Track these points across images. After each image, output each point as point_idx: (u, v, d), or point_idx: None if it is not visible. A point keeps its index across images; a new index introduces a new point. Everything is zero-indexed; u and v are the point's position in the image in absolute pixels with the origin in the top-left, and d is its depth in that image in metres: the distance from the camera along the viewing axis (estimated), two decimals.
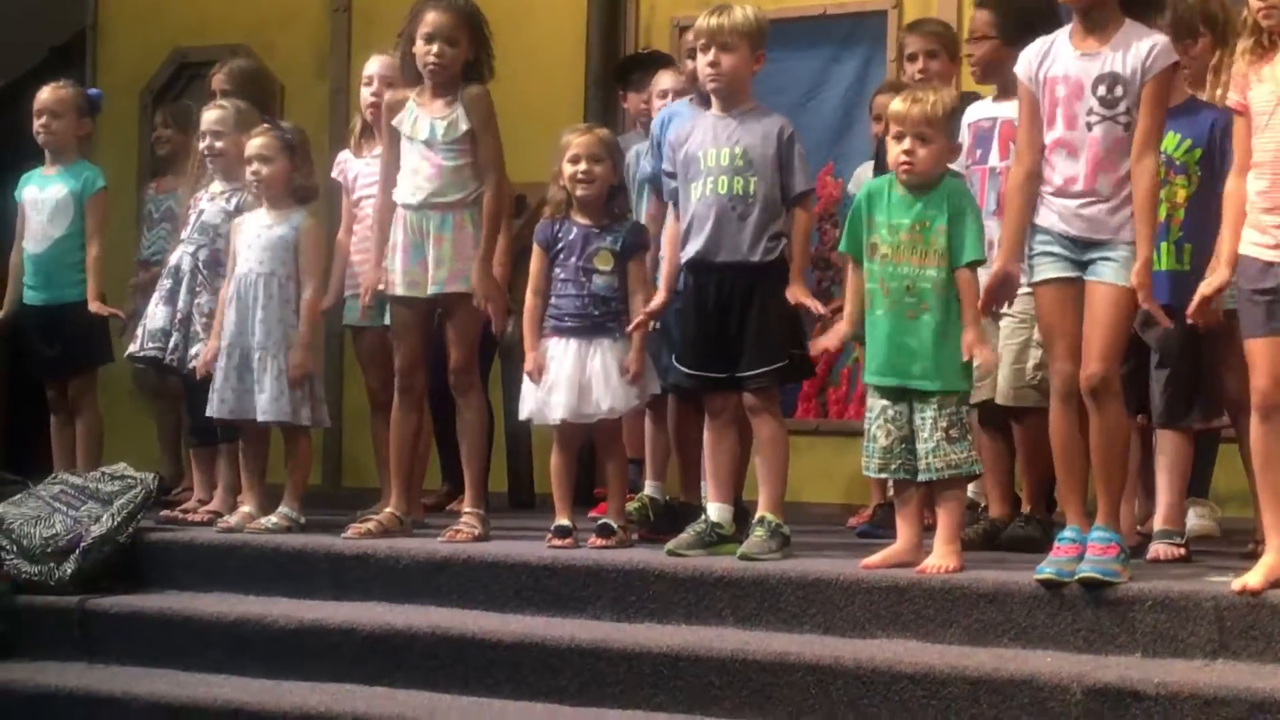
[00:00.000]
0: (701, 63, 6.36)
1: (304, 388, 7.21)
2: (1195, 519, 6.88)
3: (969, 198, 6.05)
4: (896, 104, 5.97)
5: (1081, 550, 5.52)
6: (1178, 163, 6.03)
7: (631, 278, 6.61)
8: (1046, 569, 5.47)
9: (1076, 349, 5.60)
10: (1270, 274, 5.41)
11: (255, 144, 7.28)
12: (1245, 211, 5.48)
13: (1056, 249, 5.61)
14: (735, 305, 6.26)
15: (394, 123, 6.95)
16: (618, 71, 8.72)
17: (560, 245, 6.67)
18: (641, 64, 8.14)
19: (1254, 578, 5.31)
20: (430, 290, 6.83)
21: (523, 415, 6.74)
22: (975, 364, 5.92)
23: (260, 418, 7.19)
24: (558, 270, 6.66)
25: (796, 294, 6.19)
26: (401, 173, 6.92)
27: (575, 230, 6.67)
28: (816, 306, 6.25)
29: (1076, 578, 5.40)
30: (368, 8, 9.92)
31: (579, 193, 6.65)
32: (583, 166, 6.63)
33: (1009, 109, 6.23)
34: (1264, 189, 5.44)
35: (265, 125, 7.39)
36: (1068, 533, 5.59)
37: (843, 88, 8.77)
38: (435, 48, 6.82)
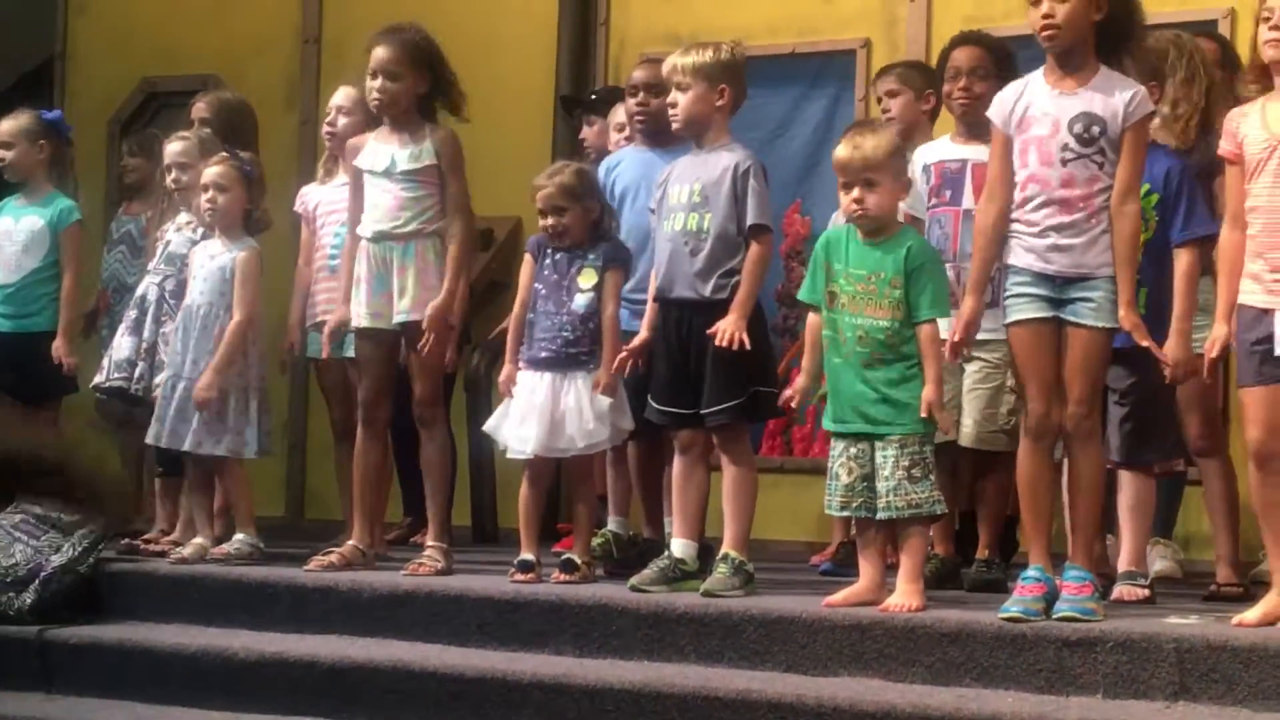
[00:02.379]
0: (670, 101, 6.38)
1: (232, 417, 7.14)
2: (1158, 560, 6.88)
3: (928, 252, 6.00)
4: (840, 150, 5.94)
5: (1046, 589, 5.53)
6: None
7: (606, 290, 6.60)
8: (1013, 608, 5.47)
9: (1050, 389, 5.60)
10: (1263, 323, 5.44)
11: (212, 172, 7.25)
12: (1240, 263, 5.49)
13: (1032, 289, 5.61)
14: (694, 342, 6.25)
15: (355, 163, 6.95)
16: (568, 106, 8.77)
17: (547, 259, 6.69)
18: (605, 99, 8.10)
19: (1252, 615, 5.36)
20: (395, 320, 6.82)
21: (500, 447, 6.73)
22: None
23: (198, 450, 7.16)
24: (539, 286, 6.66)
25: (726, 323, 6.09)
26: (365, 209, 6.91)
27: (562, 253, 6.68)
28: (744, 342, 6.07)
29: (1056, 616, 5.43)
30: (338, 39, 9.90)
31: (554, 244, 6.67)
32: (550, 220, 6.65)
33: (981, 151, 6.23)
34: (1255, 233, 5.48)
35: (224, 154, 7.36)
36: (1031, 572, 5.59)
37: (811, 126, 8.78)
38: (378, 83, 6.84)
